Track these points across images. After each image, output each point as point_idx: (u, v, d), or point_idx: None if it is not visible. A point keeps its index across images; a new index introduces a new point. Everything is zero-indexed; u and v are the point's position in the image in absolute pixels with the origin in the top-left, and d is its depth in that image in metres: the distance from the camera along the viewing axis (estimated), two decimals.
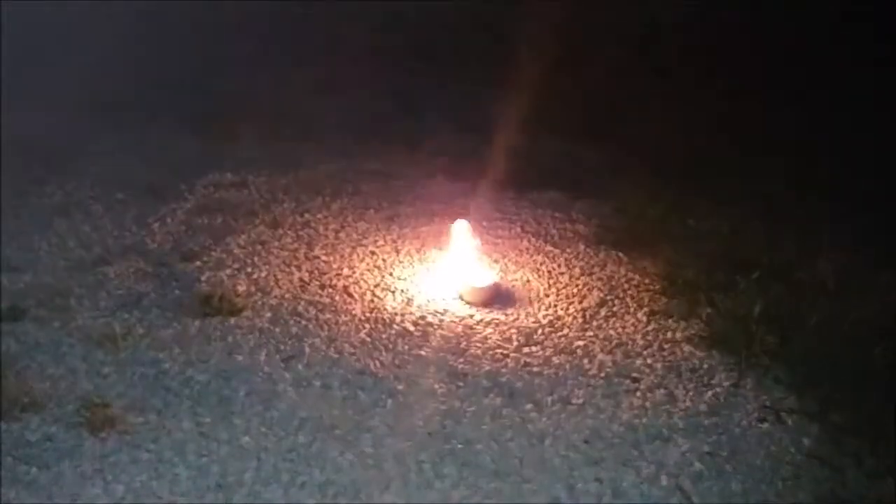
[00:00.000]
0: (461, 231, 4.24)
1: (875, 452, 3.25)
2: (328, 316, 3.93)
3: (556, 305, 4.07)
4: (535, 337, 3.84)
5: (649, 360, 3.72)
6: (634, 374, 3.64)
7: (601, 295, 4.15)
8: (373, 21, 7.09)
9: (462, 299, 4.06)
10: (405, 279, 4.22)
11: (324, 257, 4.38)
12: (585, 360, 3.71)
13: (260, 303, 4.00)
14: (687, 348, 3.80)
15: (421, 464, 3.14)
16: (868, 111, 5.57)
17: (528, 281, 4.26)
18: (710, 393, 3.55)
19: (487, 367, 3.65)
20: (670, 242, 4.53)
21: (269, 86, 6.30)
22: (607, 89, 5.84)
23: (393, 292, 4.12)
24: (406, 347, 3.75)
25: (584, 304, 4.09)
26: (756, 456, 3.24)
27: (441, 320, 3.93)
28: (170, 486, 3.01)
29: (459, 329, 3.89)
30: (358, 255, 4.41)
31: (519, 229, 4.71)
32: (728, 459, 3.22)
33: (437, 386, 3.53)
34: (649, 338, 3.87)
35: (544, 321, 3.96)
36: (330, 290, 4.12)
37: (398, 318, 3.93)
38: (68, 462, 3.09)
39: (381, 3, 7.21)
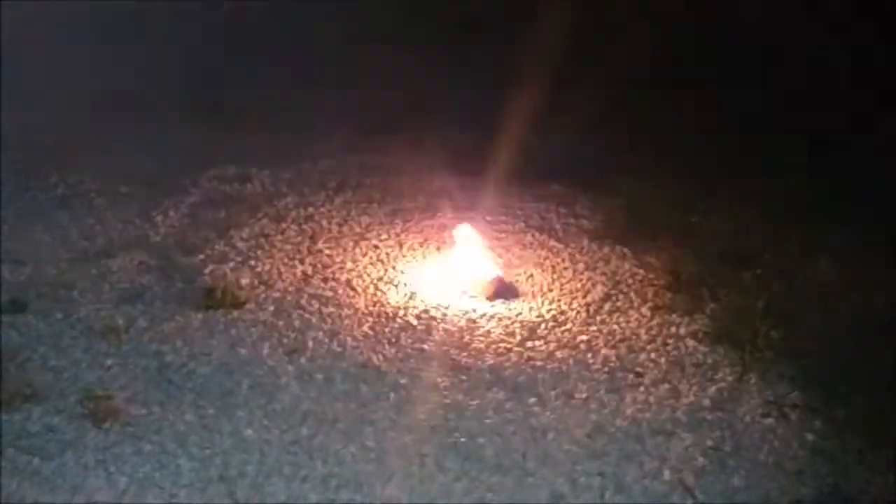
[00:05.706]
0: (465, 234, 4.24)
1: (878, 447, 3.24)
2: (331, 309, 3.93)
3: (559, 300, 4.07)
4: (538, 331, 3.84)
5: (653, 355, 3.71)
6: (638, 369, 3.63)
7: (605, 290, 4.14)
8: (376, 15, 7.07)
9: (465, 293, 4.06)
10: (408, 273, 4.22)
11: (327, 251, 4.37)
12: (589, 355, 3.70)
13: (263, 296, 3.99)
14: (691, 343, 3.79)
15: (423, 457, 3.14)
16: (870, 109, 5.55)
17: (532, 275, 4.26)
18: (713, 388, 3.54)
19: (490, 361, 3.64)
20: (674, 238, 4.52)
21: (272, 79, 6.30)
22: (612, 85, 5.82)
23: (396, 286, 4.11)
24: (409, 341, 3.74)
25: (588, 298, 4.08)
26: (759, 451, 3.23)
27: (444, 314, 3.93)
28: (172, 478, 3.01)
29: (462, 323, 3.88)
30: (361, 249, 4.40)
31: (523, 224, 4.71)
32: (731, 454, 3.21)
33: (439, 380, 3.52)
34: (653, 333, 3.86)
35: (548, 316, 3.95)
36: (333, 283, 4.12)
37: (401, 312, 3.92)
38: (71, 453, 3.09)
39: None
